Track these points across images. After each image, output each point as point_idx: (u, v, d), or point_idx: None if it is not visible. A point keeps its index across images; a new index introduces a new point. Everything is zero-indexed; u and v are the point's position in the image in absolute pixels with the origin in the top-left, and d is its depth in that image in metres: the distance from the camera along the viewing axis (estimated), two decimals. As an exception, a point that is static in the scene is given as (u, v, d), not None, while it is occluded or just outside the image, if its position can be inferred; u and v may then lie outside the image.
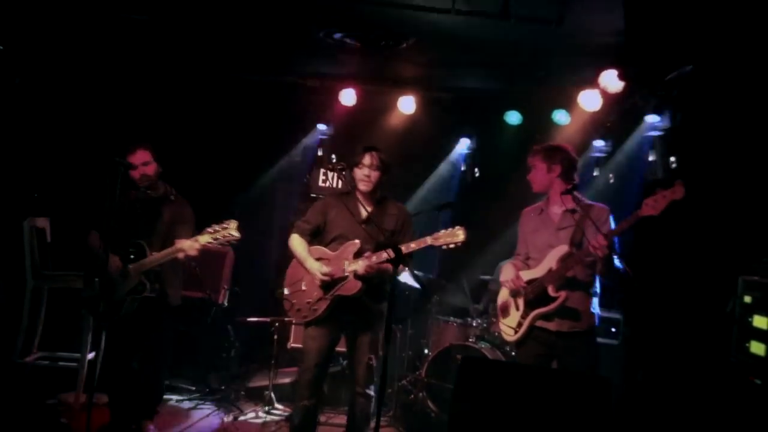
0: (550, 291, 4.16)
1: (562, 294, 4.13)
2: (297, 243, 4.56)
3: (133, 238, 4.70)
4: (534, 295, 4.23)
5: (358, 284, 4.34)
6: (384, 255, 4.22)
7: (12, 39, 5.90)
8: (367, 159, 4.43)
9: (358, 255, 4.38)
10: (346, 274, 4.37)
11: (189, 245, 4.55)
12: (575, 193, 4.25)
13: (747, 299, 4.14)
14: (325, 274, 4.37)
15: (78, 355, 5.45)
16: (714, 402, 4.35)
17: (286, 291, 4.60)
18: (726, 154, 4.86)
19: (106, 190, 4.59)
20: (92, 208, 4.86)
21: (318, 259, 4.47)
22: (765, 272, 4.07)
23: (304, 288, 4.50)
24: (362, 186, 4.45)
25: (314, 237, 4.60)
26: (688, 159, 5.48)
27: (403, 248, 4.03)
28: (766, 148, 4.53)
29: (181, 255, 4.59)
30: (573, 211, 4.24)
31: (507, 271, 4.40)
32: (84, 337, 5.40)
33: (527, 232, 4.46)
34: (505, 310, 4.47)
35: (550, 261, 4.20)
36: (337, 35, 5.43)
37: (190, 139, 6.84)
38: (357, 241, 4.40)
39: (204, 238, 4.51)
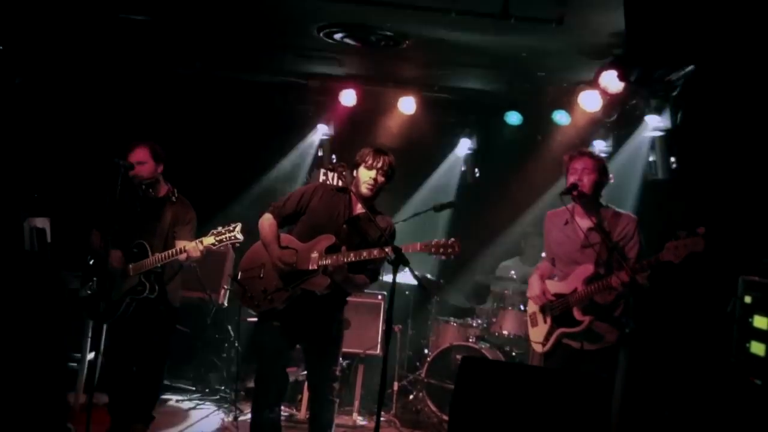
0: (576, 314, 4.15)
1: (587, 319, 4.13)
2: (266, 224, 4.18)
3: (135, 238, 4.67)
4: (560, 312, 4.23)
5: (327, 280, 3.98)
6: (364, 254, 3.91)
7: (12, 39, 5.90)
8: (378, 161, 4.07)
9: (331, 250, 4.01)
10: (316, 267, 3.99)
11: (192, 247, 4.49)
12: (603, 204, 4.24)
13: (747, 299, 4.13)
14: (285, 264, 4.02)
15: (78, 355, 5.45)
16: (714, 402, 4.34)
17: (239, 274, 4.21)
18: (726, 154, 4.86)
19: (106, 190, 4.59)
20: (94, 207, 4.85)
21: (285, 248, 4.10)
22: (765, 272, 4.06)
23: (262, 275, 4.12)
24: (364, 189, 4.08)
25: (289, 223, 4.24)
26: (688, 159, 5.47)
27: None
28: (766, 148, 4.53)
29: (183, 257, 4.54)
30: (600, 229, 4.16)
31: (533, 286, 4.39)
32: (84, 337, 5.40)
33: (552, 241, 4.43)
34: (534, 320, 4.46)
35: (576, 280, 4.17)
36: (338, 36, 5.42)
37: (190, 139, 6.83)
38: (333, 236, 4.04)
39: (208, 240, 4.47)
